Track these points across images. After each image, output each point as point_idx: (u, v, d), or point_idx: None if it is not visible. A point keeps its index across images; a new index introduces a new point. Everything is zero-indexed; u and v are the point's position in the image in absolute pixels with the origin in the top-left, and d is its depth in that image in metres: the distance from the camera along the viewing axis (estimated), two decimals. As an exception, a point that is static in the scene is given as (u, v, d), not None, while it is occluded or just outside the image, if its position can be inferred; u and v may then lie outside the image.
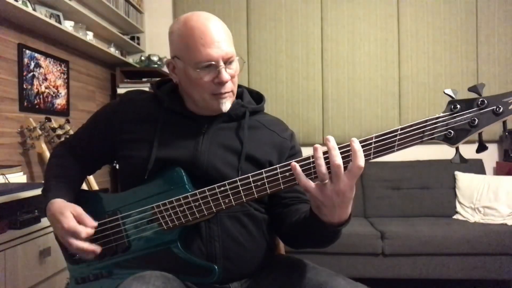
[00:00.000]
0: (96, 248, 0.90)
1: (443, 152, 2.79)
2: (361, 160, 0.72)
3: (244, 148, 0.96)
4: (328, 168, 0.73)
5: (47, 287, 1.66)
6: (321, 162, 0.74)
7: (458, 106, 0.75)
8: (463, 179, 2.94)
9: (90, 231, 0.89)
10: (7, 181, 1.80)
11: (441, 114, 0.76)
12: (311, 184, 0.75)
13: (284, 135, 1.05)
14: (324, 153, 0.75)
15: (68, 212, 0.89)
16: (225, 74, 0.91)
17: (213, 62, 0.90)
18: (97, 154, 1.07)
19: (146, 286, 0.78)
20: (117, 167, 1.08)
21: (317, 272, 0.93)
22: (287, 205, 1.00)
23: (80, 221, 0.89)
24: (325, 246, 0.91)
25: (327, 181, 0.73)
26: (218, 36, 0.90)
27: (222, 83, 0.92)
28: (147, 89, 3.05)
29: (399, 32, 3.34)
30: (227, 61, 0.92)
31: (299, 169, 0.76)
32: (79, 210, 0.91)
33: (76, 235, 0.87)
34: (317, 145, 0.75)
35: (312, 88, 3.40)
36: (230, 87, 0.94)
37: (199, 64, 0.90)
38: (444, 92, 0.76)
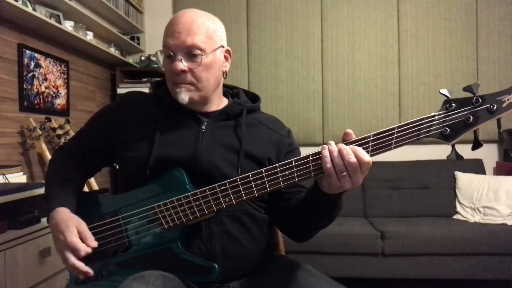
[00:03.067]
0: (89, 271, 0.88)
1: (443, 152, 2.79)
2: (365, 156, 0.77)
3: (242, 146, 0.97)
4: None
5: (47, 287, 1.66)
6: (328, 160, 0.78)
7: (454, 104, 0.77)
8: (463, 179, 2.94)
9: (89, 251, 0.88)
10: (7, 181, 1.80)
11: (437, 113, 0.78)
12: (334, 171, 0.78)
13: (282, 132, 1.07)
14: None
15: (73, 226, 0.89)
16: (177, 64, 0.92)
17: (170, 51, 0.93)
18: (97, 156, 1.07)
19: (146, 286, 0.78)
20: (117, 167, 1.08)
21: (319, 280, 0.92)
22: (289, 199, 1.01)
23: (82, 239, 0.89)
24: (329, 219, 0.92)
25: (344, 173, 0.77)
26: (181, 27, 0.92)
27: (172, 72, 0.94)
28: (147, 89, 3.07)
29: (399, 32, 3.34)
30: (188, 52, 0.93)
31: (327, 153, 0.78)
32: (84, 226, 0.91)
33: (75, 252, 0.87)
34: (325, 146, 0.79)
35: (312, 88, 3.41)
36: (188, 79, 0.95)
37: (164, 52, 0.95)
38: (440, 92, 0.79)
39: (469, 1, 3.27)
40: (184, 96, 0.95)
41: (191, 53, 0.93)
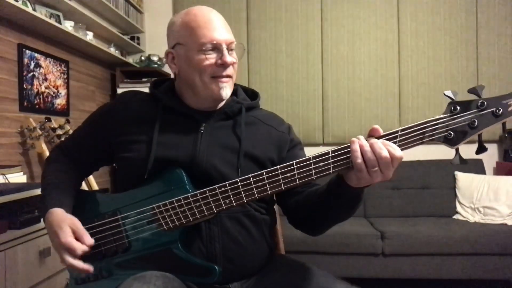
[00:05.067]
0: (88, 267, 0.88)
1: (443, 152, 2.79)
2: (396, 151, 0.76)
3: (242, 146, 0.97)
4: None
5: (47, 287, 1.66)
6: (358, 155, 0.77)
7: (458, 107, 0.76)
8: (463, 179, 2.94)
9: (86, 249, 0.88)
10: (7, 181, 1.80)
11: (441, 116, 0.77)
12: (362, 161, 0.77)
13: (282, 129, 1.06)
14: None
15: (67, 226, 0.88)
16: (229, 56, 0.94)
17: (217, 43, 0.93)
18: (94, 156, 1.07)
19: (147, 286, 0.78)
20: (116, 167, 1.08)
21: (317, 275, 0.93)
22: (299, 193, 1.01)
23: (77, 237, 0.88)
24: (351, 212, 0.92)
25: (376, 168, 0.77)
26: (220, 24, 0.96)
27: (225, 65, 0.94)
28: (147, 89, 3.07)
29: (399, 32, 3.34)
30: (229, 47, 0.95)
31: (357, 147, 0.77)
32: (78, 224, 0.90)
33: (71, 252, 0.86)
34: (354, 140, 0.78)
35: (312, 88, 3.40)
36: (231, 71, 0.97)
37: (203, 45, 0.93)
38: (444, 94, 0.77)
39: (469, 1, 3.26)
40: (228, 91, 0.97)
41: (231, 48, 0.96)
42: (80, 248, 0.86)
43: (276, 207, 1.11)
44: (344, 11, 3.38)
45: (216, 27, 0.94)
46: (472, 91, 0.75)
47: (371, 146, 0.76)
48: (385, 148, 0.76)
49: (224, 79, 0.95)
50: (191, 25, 0.94)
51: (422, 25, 3.32)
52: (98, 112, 1.07)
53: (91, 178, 2.44)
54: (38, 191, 1.66)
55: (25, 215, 1.60)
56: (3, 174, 1.81)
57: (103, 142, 1.02)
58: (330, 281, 0.91)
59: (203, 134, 0.97)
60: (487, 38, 3.25)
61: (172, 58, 1.00)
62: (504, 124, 0.75)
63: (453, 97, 0.77)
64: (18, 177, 1.94)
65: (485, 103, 0.74)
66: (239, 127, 0.99)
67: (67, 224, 0.89)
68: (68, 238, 0.86)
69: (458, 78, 3.28)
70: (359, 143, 0.77)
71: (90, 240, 0.89)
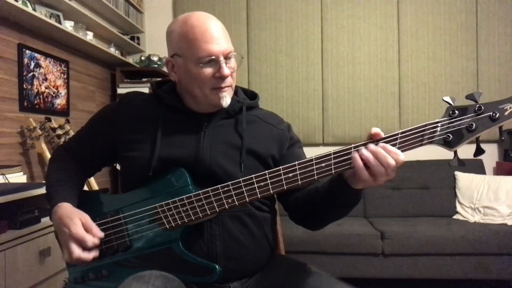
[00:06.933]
0: (95, 254, 0.89)
1: (443, 152, 2.78)
2: (400, 155, 0.78)
3: (244, 143, 0.98)
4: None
5: (47, 287, 1.66)
6: (361, 167, 0.79)
7: (456, 112, 0.78)
8: (463, 179, 2.94)
9: (97, 242, 0.89)
10: (7, 181, 1.80)
11: (440, 119, 0.79)
12: (366, 172, 0.79)
13: (281, 127, 1.08)
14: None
15: (77, 219, 0.89)
16: (226, 69, 0.94)
17: (214, 57, 0.93)
18: (98, 156, 1.08)
19: (146, 286, 0.78)
20: (118, 167, 1.08)
21: (317, 276, 0.93)
22: (300, 190, 1.02)
23: (87, 230, 0.89)
24: (351, 209, 0.93)
25: (383, 176, 0.79)
26: (217, 33, 0.94)
27: (223, 77, 0.94)
28: (147, 89, 3.07)
29: (399, 32, 3.34)
30: (227, 57, 0.95)
31: (357, 155, 0.79)
32: (87, 218, 0.91)
33: (81, 244, 0.87)
34: (355, 155, 0.79)
35: (312, 88, 3.40)
36: (230, 81, 0.97)
37: (200, 60, 0.93)
38: (443, 100, 0.80)
39: (469, 1, 3.26)
40: (228, 100, 0.98)
41: (229, 57, 0.96)
42: (91, 240, 0.88)
43: (277, 206, 1.12)
44: (344, 11, 3.38)
45: (214, 38, 0.93)
46: (469, 97, 0.78)
47: (376, 156, 0.78)
48: (390, 156, 0.78)
49: (224, 89, 0.96)
50: (189, 37, 0.93)
51: (422, 25, 3.32)
52: (101, 112, 1.08)
53: (91, 178, 2.44)
54: (38, 191, 1.66)
55: (25, 215, 1.60)
56: (3, 174, 1.81)
57: (106, 142, 1.03)
58: (331, 282, 0.91)
59: (205, 132, 0.99)
60: (487, 38, 3.25)
61: (172, 66, 1.00)
62: (501, 128, 0.77)
63: (451, 102, 0.79)
64: (18, 177, 1.94)
65: (482, 107, 0.76)
66: (241, 125, 1.01)
67: (77, 216, 0.90)
68: (79, 230, 0.87)
69: (458, 78, 3.28)
70: (363, 157, 0.78)
71: (100, 234, 0.91)
